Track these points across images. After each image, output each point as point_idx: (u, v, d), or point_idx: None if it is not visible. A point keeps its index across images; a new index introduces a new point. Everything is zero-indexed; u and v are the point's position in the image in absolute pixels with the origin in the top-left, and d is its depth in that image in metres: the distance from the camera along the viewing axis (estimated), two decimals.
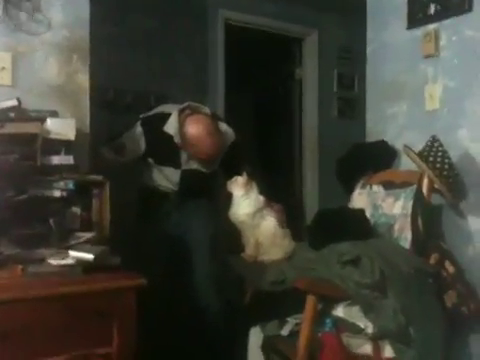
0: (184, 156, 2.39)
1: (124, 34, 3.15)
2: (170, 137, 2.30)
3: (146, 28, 3.27)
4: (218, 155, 2.33)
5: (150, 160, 2.40)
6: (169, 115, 2.33)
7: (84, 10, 2.11)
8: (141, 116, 2.40)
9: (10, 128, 1.71)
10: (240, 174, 2.39)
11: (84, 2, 2.11)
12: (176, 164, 2.38)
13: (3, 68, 1.94)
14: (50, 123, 1.80)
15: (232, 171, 2.44)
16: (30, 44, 2.00)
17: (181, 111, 2.32)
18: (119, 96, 3.19)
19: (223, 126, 2.44)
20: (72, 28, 2.08)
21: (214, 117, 2.42)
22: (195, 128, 2.25)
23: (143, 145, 2.36)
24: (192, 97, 3.39)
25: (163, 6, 3.32)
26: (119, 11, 3.15)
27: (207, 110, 2.38)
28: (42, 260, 1.49)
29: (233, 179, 2.38)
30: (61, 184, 1.73)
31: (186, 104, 2.36)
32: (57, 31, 2.05)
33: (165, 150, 2.33)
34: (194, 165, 2.40)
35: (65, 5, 2.06)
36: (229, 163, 2.46)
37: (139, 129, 2.35)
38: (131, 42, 3.20)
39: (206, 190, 2.51)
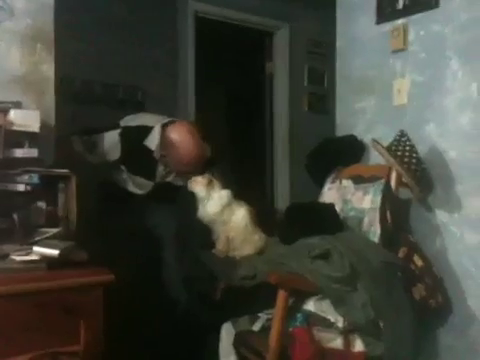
0: (160, 170, 2.40)
1: (92, 23, 3.07)
2: (149, 151, 2.29)
3: (115, 17, 3.20)
4: (200, 160, 2.33)
5: (123, 167, 2.38)
6: (151, 128, 2.32)
7: None
8: (121, 124, 2.37)
9: None
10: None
11: None
12: (150, 176, 2.39)
13: None
14: (13, 114, 1.73)
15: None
16: None
17: (164, 125, 2.32)
18: (86, 87, 3.12)
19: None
20: (35, 16, 2.01)
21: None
22: (179, 131, 2.28)
23: (117, 153, 2.33)
24: (162, 90, 3.38)
25: None
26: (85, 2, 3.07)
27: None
28: (5, 256, 1.44)
29: (192, 179, 2.37)
30: (25, 178, 1.67)
31: (169, 119, 2.36)
32: (20, 19, 1.98)
33: (141, 162, 2.34)
34: (170, 178, 2.42)
35: None
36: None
37: (116, 138, 2.32)
38: (99, 31, 3.12)
39: (171, 198, 2.50)
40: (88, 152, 2.32)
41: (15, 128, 1.72)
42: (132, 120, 2.41)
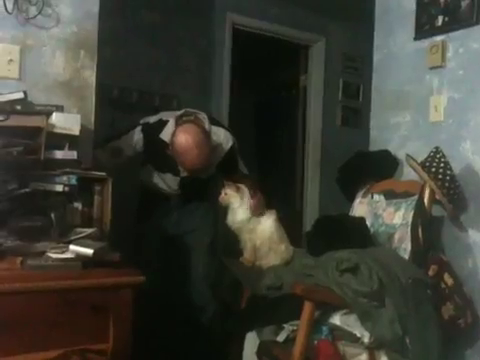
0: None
1: (128, 30, 3.14)
2: (167, 144, 2.28)
3: (151, 25, 3.26)
4: (203, 167, 2.27)
5: (150, 166, 2.41)
6: (167, 122, 2.32)
7: (94, 5, 2.10)
8: (141, 122, 2.38)
9: (15, 121, 1.69)
10: (235, 179, 2.39)
11: None
12: (175, 171, 2.38)
13: (11, 60, 1.94)
14: (55, 117, 1.79)
15: (230, 175, 2.43)
16: (38, 38, 2.00)
17: (178, 118, 2.30)
18: (123, 94, 3.19)
19: (220, 132, 2.40)
20: (81, 23, 2.07)
21: (212, 121, 2.38)
22: (183, 139, 2.19)
23: (140, 151, 2.35)
24: (197, 99, 3.43)
25: (170, 4, 3.33)
26: (125, 7, 3.14)
27: (204, 117, 2.34)
28: (42, 253, 1.48)
29: (223, 194, 2.35)
30: (63, 179, 1.72)
31: (183, 111, 2.34)
32: (65, 26, 2.04)
33: (163, 157, 2.31)
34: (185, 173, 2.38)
35: (74, 0, 2.06)
36: (227, 167, 2.45)
37: (138, 135, 2.34)
38: (137, 40, 3.19)
39: (205, 195, 2.50)
40: (115, 158, 2.33)
41: (56, 131, 1.78)
42: (152, 118, 2.41)
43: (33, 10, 1.97)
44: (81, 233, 1.62)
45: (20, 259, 1.46)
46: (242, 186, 2.37)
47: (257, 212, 2.35)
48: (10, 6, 1.91)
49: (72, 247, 1.46)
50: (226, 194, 2.35)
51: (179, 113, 2.33)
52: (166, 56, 3.34)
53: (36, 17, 1.97)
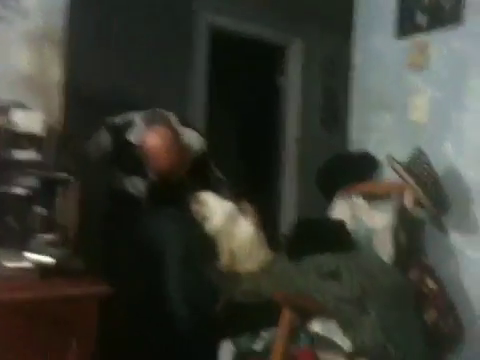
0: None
1: (106, 30, 3.05)
2: (135, 146, 2.21)
3: (129, 27, 3.17)
4: (173, 170, 2.23)
5: (116, 168, 2.32)
6: (134, 122, 2.25)
7: None
8: (107, 122, 2.31)
9: None
10: (207, 183, 2.34)
11: None
12: (143, 173, 2.30)
13: None
14: (15, 115, 1.67)
15: (200, 179, 2.37)
16: (1, 30, 1.88)
17: (147, 118, 2.24)
18: (98, 94, 3.07)
19: (191, 134, 2.35)
20: (47, 17, 1.97)
21: (182, 122, 2.33)
22: (152, 141, 2.14)
23: (108, 152, 2.27)
24: (173, 100, 3.33)
25: (147, 4, 3.24)
26: (102, 6, 3.03)
27: (173, 118, 2.29)
28: None
29: (195, 199, 2.30)
30: (24, 181, 1.60)
31: (150, 110, 2.29)
32: (31, 19, 1.94)
33: (131, 159, 2.24)
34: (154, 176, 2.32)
35: None
36: (197, 171, 2.38)
37: (105, 136, 2.27)
38: (113, 40, 3.10)
39: (174, 199, 2.42)
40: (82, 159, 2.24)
41: (17, 129, 1.66)
42: (118, 118, 2.33)
43: None
44: (42, 240, 1.50)
45: None
46: (205, 196, 2.31)
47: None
48: None
49: (30, 255, 1.34)
50: (196, 210, 2.30)
51: (147, 113, 2.25)
52: (143, 56, 3.24)
53: None
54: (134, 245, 2.26)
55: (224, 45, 3.83)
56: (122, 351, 2.10)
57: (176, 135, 2.19)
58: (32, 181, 1.60)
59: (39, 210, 1.62)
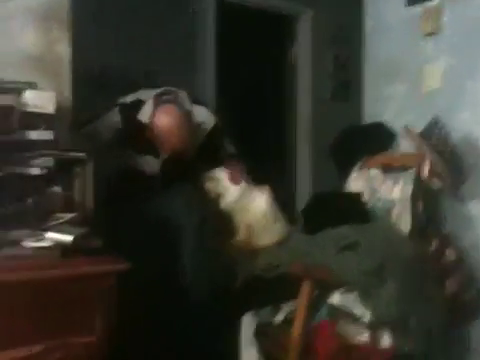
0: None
1: (109, 5, 2.98)
2: (146, 125, 2.19)
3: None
4: (184, 149, 2.21)
5: (128, 148, 2.28)
6: (145, 102, 2.22)
7: None
8: (118, 102, 2.27)
9: None
10: (220, 159, 2.33)
11: None
12: (155, 153, 2.28)
13: None
14: (28, 95, 1.65)
15: (212, 156, 2.35)
16: (5, 9, 1.83)
17: (157, 98, 2.20)
18: (104, 72, 3.04)
19: (201, 111, 2.33)
20: None
21: (193, 100, 2.30)
22: (163, 120, 2.13)
23: (118, 130, 2.23)
24: (181, 75, 3.28)
25: None
26: None
27: (184, 95, 2.26)
28: (17, 242, 1.37)
29: (209, 177, 2.32)
30: (40, 161, 1.59)
31: (162, 89, 2.24)
32: None
33: (142, 139, 2.21)
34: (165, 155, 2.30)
35: None
36: (209, 148, 2.35)
37: (116, 116, 2.23)
38: (117, 15, 3.03)
39: (187, 177, 2.40)
40: (93, 140, 2.21)
41: (29, 110, 1.65)
42: (129, 97, 2.30)
43: None
44: (60, 219, 1.50)
45: None
46: (218, 173, 2.32)
47: (237, 181, 2.30)
48: None
49: (49, 234, 1.34)
50: (210, 188, 2.31)
51: (158, 92, 2.23)
52: (148, 31, 3.18)
53: None
54: (148, 222, 2.26)
55: (233, 16, 3.76)
56: (141, 326, 2.12)
57: (187, 114, 2.17)
58: (48, 161, 1.59)
59: (57, 189, 1.62)
